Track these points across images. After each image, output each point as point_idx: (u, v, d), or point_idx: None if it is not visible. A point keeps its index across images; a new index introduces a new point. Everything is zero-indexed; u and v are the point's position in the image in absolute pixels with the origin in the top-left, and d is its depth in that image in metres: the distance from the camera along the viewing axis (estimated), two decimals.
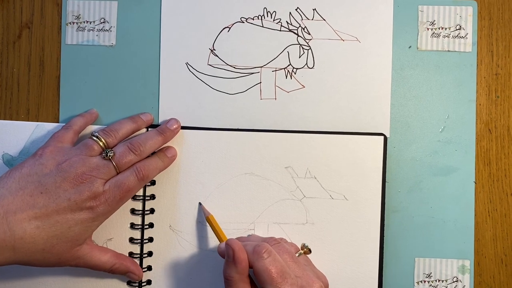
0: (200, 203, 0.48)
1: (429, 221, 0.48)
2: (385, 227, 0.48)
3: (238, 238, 0.46)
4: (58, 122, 0.50)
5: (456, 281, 0.48)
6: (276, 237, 0.45)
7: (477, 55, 0.49)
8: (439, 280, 0.48)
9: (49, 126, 0.49)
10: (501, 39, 0.49)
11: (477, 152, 0.49)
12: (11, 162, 0.49)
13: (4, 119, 0.50)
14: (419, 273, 0.48)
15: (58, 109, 0.50)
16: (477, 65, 0.49)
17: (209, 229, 0.48)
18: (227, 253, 0.40)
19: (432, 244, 0.48)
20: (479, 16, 0.49)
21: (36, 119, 0.50)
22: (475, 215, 0.49)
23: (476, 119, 0.49)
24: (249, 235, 0.48)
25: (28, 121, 0.50)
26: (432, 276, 0.48)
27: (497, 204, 0.49)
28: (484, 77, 0.49)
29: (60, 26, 0.50)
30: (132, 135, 0.48)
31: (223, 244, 0.43)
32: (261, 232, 0.48)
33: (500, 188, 0.49)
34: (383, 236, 0.48)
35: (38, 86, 0.50)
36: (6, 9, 0.51)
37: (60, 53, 0.50)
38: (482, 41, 0.49)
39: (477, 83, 0.49)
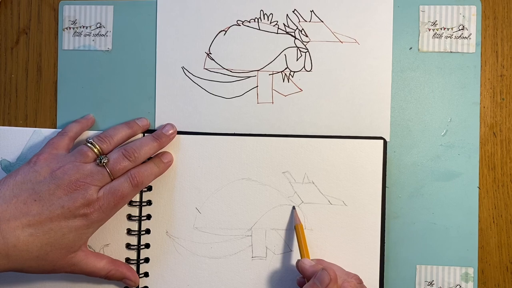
0: (294, 207, 0.47)
1: (431, 227, 0.47)
2: (385, 234, 0.47)
3: (319, 261, 0.45)
4: (55, 127, 0.50)
5: None
6: (358, 276, 0.44)
7: (481, 56, 0.47)
8: None
9: (47, 132, 0.49)
10: (506, 39, 0.47)
11: (481, 156, 0.47)
12: (9, 168, 0.49)
13: (2, 125, 0.50)
14: (421, 281, 0.47)
15: (56, 115, 0.50)
16: (481, 66, 0.48)
17: (205, 235, 0.48)
18: (320, 278, 0.39)
19: (434, 251, 0.47)
20: (483, 16, 0.48)
21: (34, 124, 0.50)
22: (479, 221, 0.47)
23: (480, 122, 0.47)
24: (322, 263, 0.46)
25: (26, 126, 0.50)
26: (434, 284, 0.47)
27: (502, 210, 0.47)
28: (489, 79, 0.48)
29: (57, 31, 0.50)
30: (128, 140, 0.47)
31: (308, 262, 0.42)
32: (259, 238, 0.47)
33: (505, 194, 0.47)
34: (384, 242, 0.47)
35: (35, 91, 0.50)
36: (4, 15, 0.51)
37: (57, 58, 0.50)
38: (486, 42, 0.48)
39: (481, 85, 0.47)
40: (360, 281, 0.43)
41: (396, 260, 0.47)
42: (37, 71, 0.50)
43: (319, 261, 0.45)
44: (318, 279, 0.40)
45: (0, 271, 0.40)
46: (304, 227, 0.47)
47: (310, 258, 0.45)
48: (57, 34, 0.50)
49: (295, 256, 0.47)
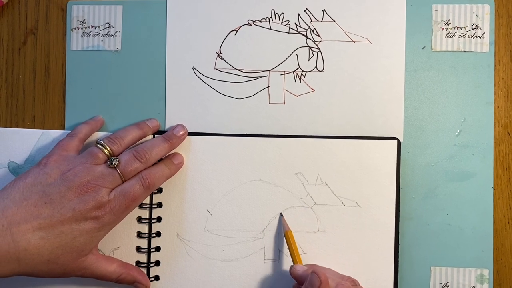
0: (281, 214, 0.47)
1: (446, 228, 0.47)
2: (399, 235, 0.46)
3: (312, 266, 0.44)
4: (64, 129, 0.49)
5: None
6: (353, 278, 0.43)
7: (495, 55, 0.47)
8: None
9: (55, 134, 0.48)
10: None
11: (495, 156, 0.47)
12: (17, 170, 0.48)
13: (10, 127, 0.50)
14: (435, 283, 0.46)
15: (64, 116, 0.49)
16: (495, 65, 0.47)
17: (217, 237, 0.47)
18: (311, 281, 0.39)
19: (449, 253, 0.46)
20: (496, 14, 0.47)
21: (42, 126, 0.49)
22: (494, 222, 0.47)
23: (494, 122, 0.47)
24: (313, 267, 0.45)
25: (34, 128, 0.49)
26: (449, 285, 0.46)
27: None
28: (503, 78, 0.47)
29: (65, 31, 0.49)
30: (138, 141, 0.47)
31: (301, 268, 0.42)
32: (272, 240, 0.47)
33: None
34: (398, 244, 0.46)
35: (43, 93, 0.50)
36: (11, 15, 0.50)
37: (65, 59, 0.49)
38: (499, 41, 0.47)
39: (495, 85, 0.47)
40: (355, 284, 0.42)
41: (411, 262, 0.46)
42: (45, 72, 0.50)
43: (311, 266, 0.44)
44: (310, 282, 0.39)
45: (10, 275, 0.40)
46: (316, 229, 0.47)
47: (319, 263, 0.45)
48: (65, 34, 0.49)
49: (308, 258, 0.47)
